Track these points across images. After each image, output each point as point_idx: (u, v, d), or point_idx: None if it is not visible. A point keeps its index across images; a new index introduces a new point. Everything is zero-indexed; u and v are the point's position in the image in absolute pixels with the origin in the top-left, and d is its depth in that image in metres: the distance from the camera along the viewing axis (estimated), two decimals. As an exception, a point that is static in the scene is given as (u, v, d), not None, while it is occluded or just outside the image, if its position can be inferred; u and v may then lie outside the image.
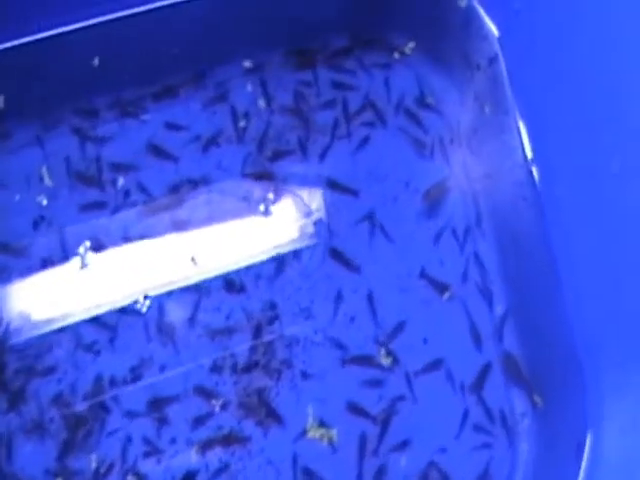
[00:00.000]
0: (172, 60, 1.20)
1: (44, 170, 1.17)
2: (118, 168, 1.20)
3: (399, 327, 1.15)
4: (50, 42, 1.14)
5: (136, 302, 1.16)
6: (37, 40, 1.14)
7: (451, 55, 1.23)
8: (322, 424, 1.09)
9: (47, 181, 1.17)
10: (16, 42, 1.13)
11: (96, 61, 1.18)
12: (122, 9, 1.16)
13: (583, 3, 1.01)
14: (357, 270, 1.16)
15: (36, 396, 1.12)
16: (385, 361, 1.12)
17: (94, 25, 1.15)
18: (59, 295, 1.15)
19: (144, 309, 1.15)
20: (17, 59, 1.15)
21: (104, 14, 1.15)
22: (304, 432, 1.11)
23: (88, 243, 1.17)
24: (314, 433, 1.09)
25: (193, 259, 1.14)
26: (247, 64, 1.23)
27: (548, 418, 1.10)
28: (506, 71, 1.18)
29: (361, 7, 1.23)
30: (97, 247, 1.17)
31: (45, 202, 1.17)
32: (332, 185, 1.19)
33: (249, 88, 1.22)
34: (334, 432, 1.09)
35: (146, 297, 1.15)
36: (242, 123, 1.22)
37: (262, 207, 1.18)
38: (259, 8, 1.20)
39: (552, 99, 1.10)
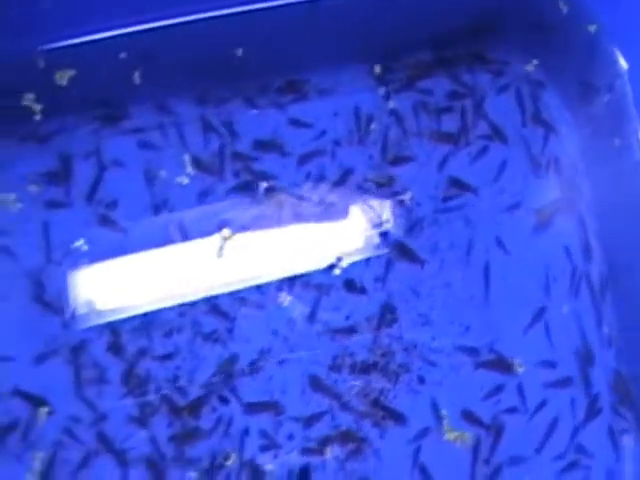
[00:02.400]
0: (305, 56, 1.22)
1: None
2: (240, 158, 1.21)
3: (516, 338, 1.17)
4: (200, 26, 1.16)
5: (256, 294, 1.16)
6: (188, 22, 1.15)
7: (572, 77, 1.28)
8: (454, 427, 1.11)
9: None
10: (168, 22, 1.14)
11: (239, 51, 1.19)
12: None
13: None
14: (474, 280, 1.18)
15: (154, 381, 1.13)
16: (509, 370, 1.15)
17: (242, 13, 1.16)
18: (180, 281, 1.16)
19: (265, 301, 1.15)
20: (165, 39, 1.16)
21: (252, 3, 1.16)
22: (424, 433, 1.13)
23: (212, 232, 1.17)
24: (449, 435, 1.11)
25: (339, 258, 1.16)
26: (377, 69, 1.24)
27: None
28: (632, 98, 1.22)
29: (488, 24, 1.26)
30: (215, 237, 1.17)
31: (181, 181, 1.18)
32: (453, 186, 1.21)
33: (378, 92, 1.24)
34: (467, 435, 1.11)
35: (267, 290, 1.16)
36: (364, 125, 1.23)
37: (383, 210, 1.20)
38: (397, 11, 1.22)
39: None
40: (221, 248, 1.17)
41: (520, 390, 1.17)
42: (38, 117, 1.18)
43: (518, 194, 1.25)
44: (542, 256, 1.23)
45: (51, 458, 1.11)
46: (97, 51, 1.18)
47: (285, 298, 1.18)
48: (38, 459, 1.10)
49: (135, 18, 1.14)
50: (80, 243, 1.18)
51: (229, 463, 1.13)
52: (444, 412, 1.16)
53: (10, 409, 1.13)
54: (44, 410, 1.11)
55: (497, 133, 1.27)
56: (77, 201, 1.21)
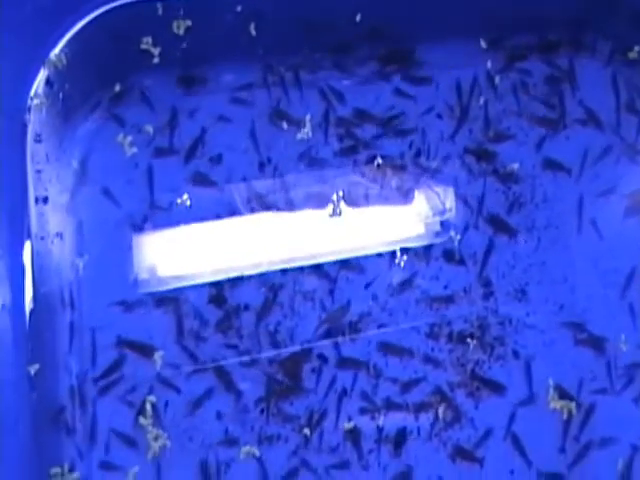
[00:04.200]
0: (413, 25, 1.27)
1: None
2: (344, 123, 1.28)
3: (608, 320, 1.21)
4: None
5: (358, 258, 1.20)
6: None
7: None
8: (561, 395, 1.16)
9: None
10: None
11: (358, 16, 1.24)
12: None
13: None
14: (568, 260, 1.23)
15: (253, 335, 1.17)
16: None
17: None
18: (282, 238, 1.20)
19: (365, 266, 1.20)
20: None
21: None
22: (517, 405, 1.20)
23: (316, 193, 1.22)
24: (555, 404, 1.15)
25: (438, 228, 1.20)
26: (482, 44, 1.29)
27: None
28: None
29: (592, 10, 1.31)
30: (320, 197, 1.21)
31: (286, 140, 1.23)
32: (550, 167, 1.26)
33: (480, 68, 1.29)
34: (573, 405, 1.15)
35: (368, 254, 1.21)
36: (466, 100, 1.28)
37: (482, 184, 1.25)
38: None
39: None
40: (334, 210, 1.21)
41: (610, 370, 1.20)
42: (156, 60, 1.21)
43: (612, 179, 1.29)
44: (634, 241, 1.26)
45: (158, 402, 1.12)
46: (213, 4, 1.20)
47: (385, 264, 1.21)
48: (149, 402, 1.12)
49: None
50: (182, 195, 1.20)
51: (326, 422, 1.14)
52: (539, 385, 1.18)
53: (115, 356, 1.15)
54: (158, 354, 1.14)
55: (592, 118, 1.31)
56: (182, 153, 1.23)
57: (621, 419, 1.21)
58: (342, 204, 1.21)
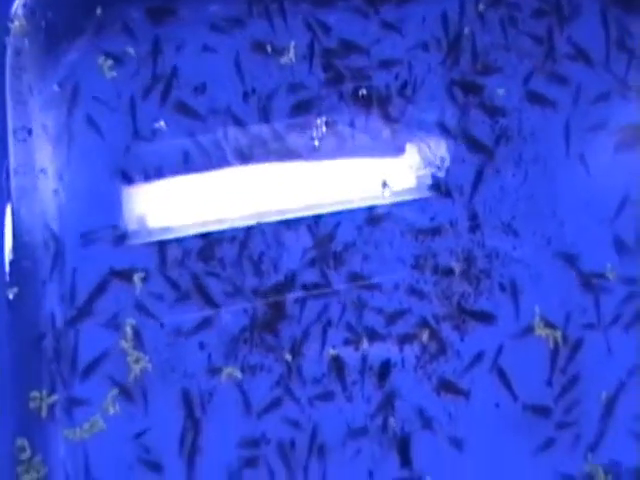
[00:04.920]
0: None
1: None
2: (329, 54, 1.27)
3: (595, 254, 1.21)
4: None
5: (342, 188, 1.22)
6: None
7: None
8: (547, 324, 1.16)
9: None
10: None
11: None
12: None
13: None
14: (556, 194, 1.23)
15: (237, 264, 1.17)
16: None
17: None
18: (264, 167, 1.21)
19: (349, 196, 1.20)
20: None
21: None
22: (503, 337, 1.20)
23: (302, 123, 1.22)
24: (541, 332, 1.16)
25: (425, 161, 1.21)
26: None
27: None
28: None
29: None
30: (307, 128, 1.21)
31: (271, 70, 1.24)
32: (538, 101, 1.25)
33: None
34: (559, 334, 1.16)
35: (352, 184, 1.22)
36: (453, 32, 1.27)
37: (470, 117, 1.25)
38: None
39: None
40: (315, 136, 1.21)
41: (598, 305, 1.21)
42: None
43: (602, 115, 1.28)
44: (622, 177, 1.26)
45: (140, 328, 1.13)
46: None
47: (369, 194, 1.21)
48: (129, 326, 1.12)
49: None
50: (165, 125, 1.20)
51: (310, 352, 1.15)
52: (526, 317, 1.18)
53: (96, 283, 1.17)
54: (138, 276, 1.14)
55: (581, 54, 1.30)
56: (164, 83, 1.23)
57: (608, 354, 1.20)
58: (325, 130, 1.19)
